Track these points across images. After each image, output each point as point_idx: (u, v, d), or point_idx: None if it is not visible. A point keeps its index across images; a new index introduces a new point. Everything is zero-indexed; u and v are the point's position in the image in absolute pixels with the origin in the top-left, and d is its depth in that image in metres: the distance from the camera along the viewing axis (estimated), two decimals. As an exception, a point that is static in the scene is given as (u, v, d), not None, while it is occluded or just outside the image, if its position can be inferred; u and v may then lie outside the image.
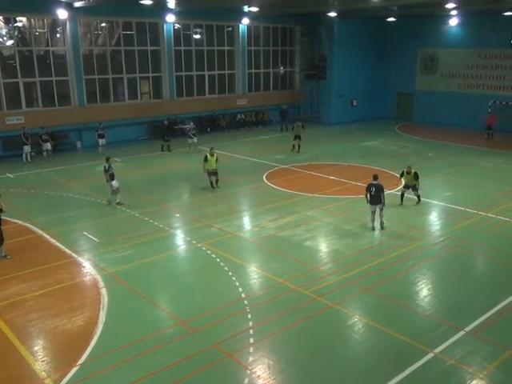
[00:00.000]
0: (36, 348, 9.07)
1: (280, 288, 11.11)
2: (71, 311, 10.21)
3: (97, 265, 12.41)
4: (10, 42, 25.10)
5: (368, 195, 14.29)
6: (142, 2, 22.71)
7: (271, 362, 8.52)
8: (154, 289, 11.34)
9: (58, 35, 26.48)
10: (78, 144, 26.89)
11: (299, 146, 25.28)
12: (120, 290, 11.18)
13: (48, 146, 23.82)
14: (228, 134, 31.14)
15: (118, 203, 16.90)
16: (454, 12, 29.72)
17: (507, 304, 10.39)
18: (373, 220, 14.48)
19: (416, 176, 16.30)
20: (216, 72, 32.23)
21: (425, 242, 13.87)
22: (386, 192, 16.98)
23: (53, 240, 14.01)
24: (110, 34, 28.17)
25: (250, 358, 8.62)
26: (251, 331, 9.43)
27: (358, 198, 16.33)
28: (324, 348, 9.00)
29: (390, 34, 35.13)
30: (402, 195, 16.75)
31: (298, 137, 25.32)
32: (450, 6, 24.94)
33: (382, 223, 14.50)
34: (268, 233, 14.53)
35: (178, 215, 16.44)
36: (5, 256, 12.75)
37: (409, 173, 16.30)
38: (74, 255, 13.02)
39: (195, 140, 25.30)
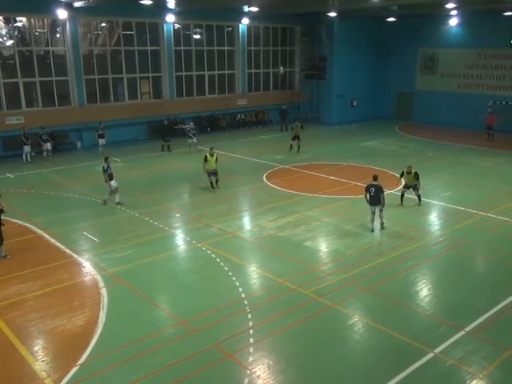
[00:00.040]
0: (36, 348, 9.07)
1: (280, 288, 11.11)
2: (71, 311, 10.21)
3: (97, 265, 12.41)
4: (9, 42, 25.10)
5: (367, 196, 14.29)
6: (141, 1, 22.72)
7: (271, 362, 8.52)
8: (154, 289, 11.34)
9: (58, 35, 26.48)
10: (78, 144, 26.90)
11: (299, 146, 25.28)
12: (120, 290, 11.18)
13: (48, 146, 23.82)
14: (228, 134, 31.14)
15: (117, 203, 16.90)
16: (453, 12, 29.72)
17: (507, 304, 10.39)
18: (372, 220, 14.46)
19: (416, 176, 16.28)
20: (216, 72, 32.23)
21: (425, 242, 13.87)
22: (386, 192, 17.00)
23: (53, 240, 14.01)
24: (110, 34, 28.17)
25: (250, 358, 8.62)
26: (251, 331, 9.43)
27: (358, 197, 16.33)
28: (324, 348, 9.00)
29: (390, 33, 35.14)
30: (402, 195, 16.74)
31: (297, 137, 25.34)
32: (449, 6, 24.95)
33: (382, 223, 14.49)
34: (268, 233, 14.53)
35: (178, 215, 16.44)
36: (5, 256, 12.75)
37: (409, 173, 16.29)
38: (74, 255, 13.02)
39: (195, 140, 25.31)
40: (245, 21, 31.46)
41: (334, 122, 34.60)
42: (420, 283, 11.46)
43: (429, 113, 34.13)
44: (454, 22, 31.67)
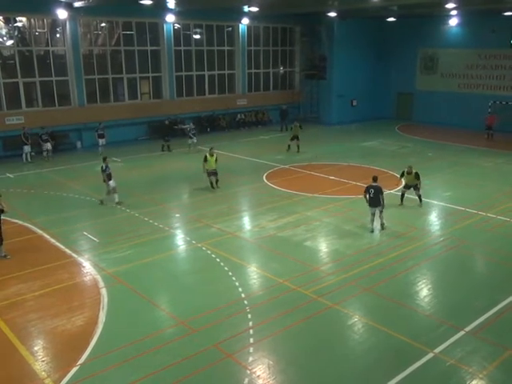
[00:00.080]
0: (36, 348, 9.07)
1: (280, 288, 11.11)
2: (71, 311, 10.21)
3: (97, 265, 12.41)
4: (9, 42, 25.10)
5: (367, 197, 14.27)
6: (141, 1, 22.72)
7: (271, 362, 8.52)
8: (154, 289, 11.34)
9: (58, 35, 26.48)
10: (78, 144, 26.90)
11: (298, 146, 25.30)
12: (120, 290, 11.18)
13: (48, 146, 23.82)
14: (228, 134, 31.14)
15: (117, 203, 16.90)
16: (453, 12, 29.74)
17: (507, 304, 10.39)
18: (372, 221, 14.44)
19: (417, 176, 16.25)
20: (216, 72, 32.24)
21: (425, 242, 13.87)
22: (386, 192, 17.01)
23: (53, 240, 14.01)
24: (110, 34, 28.17)
25: (250, 358, 8.62)
26: (251, 331, 9.43)
27: (358, 197, 16.32)
28: (324, 348, 9.00)
29: (390, 33, 35.14)
30: (403, 195, 16.73)
31: (295, 137, 25.37)
32: (449, 6, 24.97)
33: (382, 224, 14.47)
34: (268, 233, 14.53)
35: (177, 215, 16.44)
36: (5, 256, 12.75)
37: (409, 173, 16.25)
38: (73, 255, 13.02)
39: (195, 140, 25.30)
40: (245, 21, 31.46)
41: (333, 122, 34.60)
42: (420, 283, 11.46)
43: (429, 113, 34.13)
44: (454, 22, 31.68)
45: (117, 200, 16.96)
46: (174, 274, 12.14)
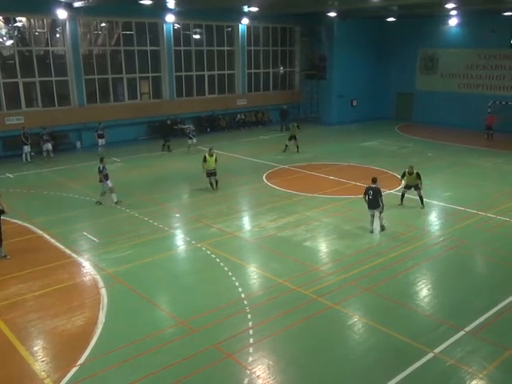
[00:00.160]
0: (36, 348, 9.06)
1: (280, 288, 11.11)
2: (71, 311, 10.20)
3: (96, 265, 12.40)
4: (9, 42, 25.10)
5: (366, 198, 14.24)
6: (141, 1, 22.72)
7: (271, 362, 8.51)
8: (154, 289, 11.34)
9: (58, 35, 26.47)
10: (78, 144, 26.89)
11: (297, 146, 25.32)
12: (120, 290, 11.18)
13: (49, 146, 23.83)
14: (228, 134, 31.14)
15: (116, 203, 16.91)
16: (453, 12, 29.73)
17: (507, 304, 10.39)
18: (372, 222, 14.39)
19: (418, 176, 16.21)
20: (216, 72, 32.23)
21: (425, 242, 13.87)
22: (386, 192, 17.03)
23: (53, 240, 14.00)
24: (110, 34, 28.17)
25: (250, 358, 8.61)
26: (251, 331, 9.43)
27: (358, 198, 16.30)
28: (324, 348, 9.00)
29: (390, 34, 35.13)
30: (403, 195, 16.70)
31: (293, 137, 25.39)
32: (449, 6, 24.97)
33: (381, 225, 14.40)
34: (268, 233, 14.53)
35: (177, 215, 16.44)
36: (4, 256, 12.74)
37: (411, 173, 16.21)
38: (73, 255, 13.02)
39: (194, 141, 25.25)
40: (244, 21, 31.46)
41: (333, 122, 34.60)
42: (420, 283, 11.46)
43: (429, 113, 34.13)
44: (453, 22, 31.67)
45: (115, 200, 16.96)
46: (174, 274, 12.14)
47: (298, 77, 36.32)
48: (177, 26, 29.82)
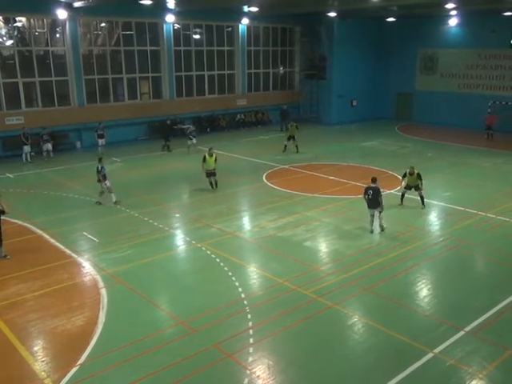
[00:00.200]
0: (36, 348, 9.07)
1: (280, 288, 11.11)
2: (71, 311, 10.20)
3: (96, 265, 12.40)
4: (9, 42, 25.09)
5: (366, 197, 14.23)
6: (141, 2, 22.72)
7: (271, 362, 8.51)
8: (154, 289, 11.34)
9: (58, 35, 26.46)
10: (78, 144, 26.89)
11: (297, 146, 25.32)
12: (120, 290, 11.18)
13: (49, 146, 23.82)
14: (228, 134, 31.14)
15: (115, 203, 16.91)
16: (453, 12, 29.73)
17: (507, 304, 10.39)
18: (371, 222, 14.37)
19: (419, 177, 16.19)
20: (216, 72, 32.23)
21: (424, 242, 13.87)
22: (386, 192, 17.04)
23: (52, 240, 14.00)
24: (110, 34, 28.17)
25: (250, 358, 8.62)
26: (251, 331, 9.43)
27: (358, 198, 16.30)
28: (324, 348, 9.00)
29: (390, 34, 35.13)
30: (403, 196, 16.69)
31: (292, 137, 25.40)
32: (449, 6, 24.98)
33: (381, 226, 14.35)
34: (268, 233, 14.53)
35: (177, 215, 16.44)
36: (4, 256, 12.74)
37: (412, 174, 16.18)
38: (73, 255, 13.02)
39: (194, 141, 25.22)
40: (244, 21, 31.45)
41: (333, 122, 34.60)
42: (420, 283, 11.46)
43: (428, 113, 34.13)
44: (453, 22, 31.66)
45: (114, 200, 16.97)
46: (174, 274, 12.14)
47: (298, 77, 36.31)
48: (177, 26, 29.82)
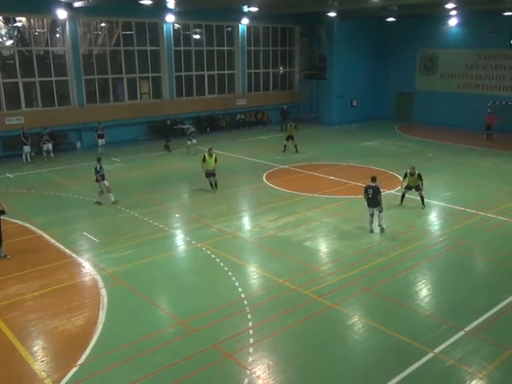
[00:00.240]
0: (36, 348, 9.06)
1: (280, 288, 11.11)
2: (71, 311, 10.20)
3: (96, 265, 12.40)
4: (9, 42, 25.09)
5: (366, 197, 14.21)
6: (141, 2, 22.71)
7: (271, 362, 8.51)
8: (154, 289, 11.34)
9: (58, 35, 26.46)
10: (78, 144, 26.88)
11: (296, 146, 25.32)
12: (120, 290, 11.18)
13: (49, 146, 23.80)
14: (228, 134, 31.14)
15: (113, 202, 16.92)
16: (453, 12, 29.73)
17: (507, 304, 10.39)
18: (371, 222, 14.35)
19: (420, 177, 16.18)
20: (216, 72, 32.23)
21: (424, 242, 13.87)
22: (386, 192, 17.04)
23: (52, 240, 14.00)
24: (110, 34, 28.17)
25: (250, 358, 8.62)
26: (251, 331, 9.43)
27: (358, 198, 16.31)
28: (324, 348, 9.00)
29: (390, 34, 35.14)
30: (403, 196, 16.67)
31: (290, 137, 25.40)
32: (449, 6, 24.97)
33: (380, 226, 14.30)
34: (268, 233, 14.53)
35: (177, 215, 16.44)
36: (4, 256, 12.74)
37: (412, 174, 16.16)
38: (73, 255, 13.01)
39: (194, 141, 25.19)
40: (244, 21, 31.45)
41: (333, 122, 34.59)
42: (420, 283, 11.46)
43: (428, 113, 34.13)
44: (453, 22, 31.66)
45: (112, 199, 16.98)
46: (174, 274, 12.14)
47: (298, 77, 36.31)
48: (177, 26, 29.82)
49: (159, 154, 25.43)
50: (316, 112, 35.41)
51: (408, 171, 16.30)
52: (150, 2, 22.95)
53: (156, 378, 8.14)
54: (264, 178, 20.58)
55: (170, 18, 27.86)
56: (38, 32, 26.04)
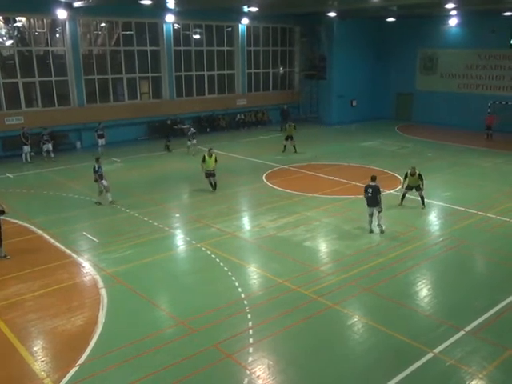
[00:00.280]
0: (35, 348, 9.06)
1: (280, 288, 11.11)
2: (71, 311, 10.20)
3: (96, 265, 12.40)
4: (9, 42, 25.09)
5: (366, 196, 14.19)
6: (141, 2, 22.72)
7: (271, 362, 8.51)
8: (154, 289, 11.34)
9: (58, 35, 26.46)
10: (78, 144, 26.88)
11: (295, 146, 25.32)
12: (120, 290, 11.18)
13: (49, 146, 23.78)
14: (227, 134, 31.13)
15: (110, 202, 16.93)
16: (453, 12, 29.73)
17: (507, 304, 10.39)
18: (370, 222, 14.31)
19: (420, 177, 16.17)
20: (215, 72, 32.23)
21: (424, 242, 13.87)
22: (386, 192, 17.04)
23: (52, 240, 14.00)
24: (110, 34, 28.17)
25: (250, 358, 8.61)
26: (251, 331, 9.43)
27: (358, 198, 16.31)
28: (324, 348, 9.00)
29: (390, 34, 35.14)
30: (404, 196, 16.65)
31: (289, 137, 25.40)
32: (449, 6, 24.97)
33: (379, 226, 14.23)
34: (268, 233, 14.53)
35: (177, 215, 16.44)
36: (4, 256, 12.74)
37: (413, 174, 16.14)
38: (73, 255, 13.01)
39: (194, 142, 25.17)
40: (244, 21, 31.45)
41: (333, 122, 34.60)
42: (420, 283, 11.46)
43: (428, 113, 34.13)
44: (453, 22, 31.66)
45: (110, 199, 16.98)
46: (174, 274, 12.14)
47: (298, 77, 36.32)
48: (177, 26, 29.82)
49: (159, 154, 25.43)
50: (316, 112, 35.42)
51: (409, 171, 16.28)
52: (150, 2, 22.95)
53: (156, 378, 8.14)
54: (264, 178, 20.58)
55: (169, 18, 27.86)
56: (38, 32, 26.04)
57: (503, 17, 29.05)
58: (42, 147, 23.66)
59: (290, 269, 12.08)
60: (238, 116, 32.91)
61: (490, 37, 29.97)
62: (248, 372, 8.28)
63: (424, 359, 8.53)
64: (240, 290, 11.05)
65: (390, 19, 33.22)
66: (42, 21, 25.76)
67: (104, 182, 16.98)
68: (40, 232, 14.64)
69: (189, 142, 25.20)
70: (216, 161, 18.43)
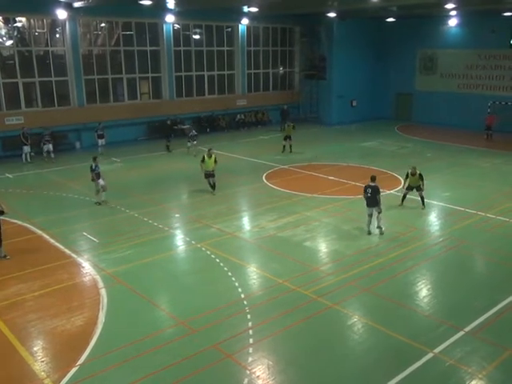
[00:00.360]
0: (35, 348, 9.06)
1: (280, 288, 11.11)
2: (71, 311, 10.20)
3: (96, 265, 12.40)
4: (9, 42, 25.09)
5: (365, 196, 14.18)
6: (141, 2, 22.72)
7: (271, 363, 8.51)
8: (154, 289, 11.34)
9: (58, 35, 26.46)
10: (78, 144, 26.87)
11: (291, 146, 25.31)
12: (119, 290, 11.18)
13: (50, 147, 23.77)
14: (227, 134, 31.14)
15: (103, 201, 16.96)
16: (453, 12, 29.74)
17: (507, 304, 10.39)
18: (369, 223, 14.25)
19: (421, 177, 16.16)
20: (215, 72, 32.24)
21: (424, 243, 13.87)
22: (386, 192, 17.05)
23: (52, 240, 14.00)
24: (110, 35, 28.17)
25: (250, 359, 8.62)
26: (251, 331, 9.43)
27: (357, 198, 16.32)
28: (324, 348, 9.00)
29: (390, 34, 35.16)
30: (404, 197, 16.61)
31: (288, 137, 25.41)
32: (449, 6, 24.99)
33: (379, 228, 14.17)
34: (267, 233, 14.53)
35: (177, 215, 16.44)
36: (4, 256, 12.74)
37: (413, 174, 16.13)
38: (73, 255, 13.02)
39: (194, 142, 25.14)
40: (244, 21, 31.47)
41: (333, 122, 34.61)
42: (419, 283, 11.46)
43: (428, 113, 34.14)
44: (453, 22, 31.67)
45: (103, 198, 16.99)
46: (174, 274, 12.14)
47: (298, 77, 36.33)
48: (177, 26, 29.83)
49: (159, 154, 25.43)
50: (316, 112, 35.42)
51: (409, 171, 16.27)
52: (150, 2, 22.96)
53: (156, 378, 8.14)
54: (264, 178, 20.58)
55: (169, 18, 27.87)
56: (38, 32, 26.04)
57: (503, 17, 29.06)
58: (42, 147, 23.66)
59: (290, 269, 12.09)
60: (238, 116, 32.92)
61: (490, 37, 29.98)
62: (248, 372, 8.28)
63: (424, 359, 8.53)
64: (240, 290, 11.05)
65: (390, 19, 33.26)
66: (42, 21, 25.77)
67: (101, 181, 16.98)
68: (40, 232, 14.65)
69: (189, 143, 25.18)
70: (216, 161, 18.35)
